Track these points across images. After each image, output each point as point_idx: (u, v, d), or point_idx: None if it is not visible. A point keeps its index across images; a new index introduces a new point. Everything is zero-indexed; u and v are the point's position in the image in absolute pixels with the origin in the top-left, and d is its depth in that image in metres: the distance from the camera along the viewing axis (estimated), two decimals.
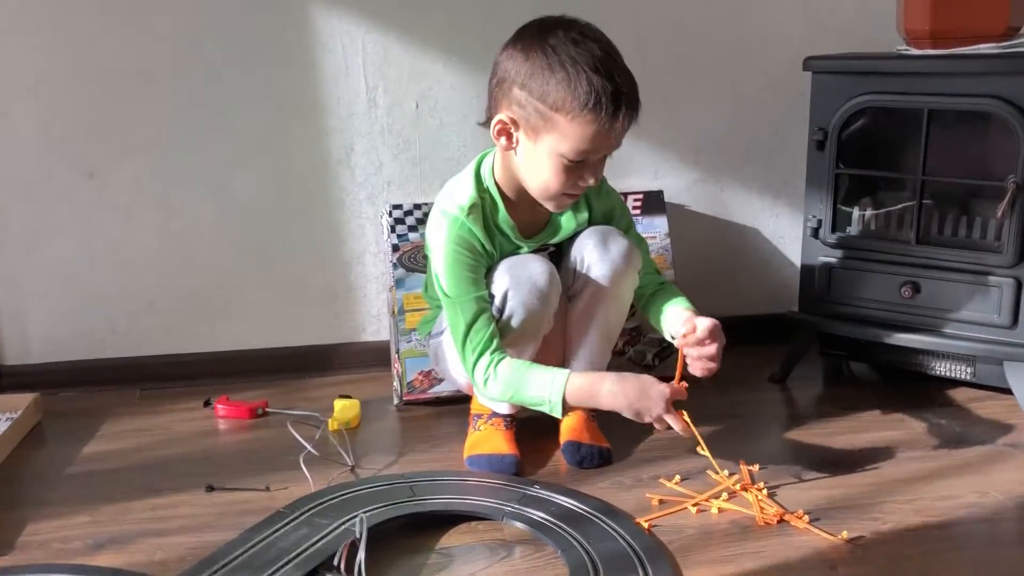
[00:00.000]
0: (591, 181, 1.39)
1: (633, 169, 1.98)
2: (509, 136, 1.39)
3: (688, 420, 1.38)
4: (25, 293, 1.85)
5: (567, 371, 1.41)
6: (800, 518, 1.33)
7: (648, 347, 1.88)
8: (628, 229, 1.57)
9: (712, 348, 1.39)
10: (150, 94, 1.80)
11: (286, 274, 1.92)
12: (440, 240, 1.45)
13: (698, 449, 1.43)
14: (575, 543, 1.26)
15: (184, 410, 1.78)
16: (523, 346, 1.47)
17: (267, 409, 1.76)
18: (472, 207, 1.44)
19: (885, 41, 1.81)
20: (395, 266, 1.82)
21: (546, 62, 1.31)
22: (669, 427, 1.37)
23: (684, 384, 1.39)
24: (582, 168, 1.38)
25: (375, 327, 1.96)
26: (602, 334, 1.54)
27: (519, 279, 1.43)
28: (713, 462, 1.44)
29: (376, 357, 1.92)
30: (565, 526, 1.30)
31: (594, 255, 1.49)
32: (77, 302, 1.87)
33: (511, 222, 1.47)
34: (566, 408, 1.40)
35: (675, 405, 1.37)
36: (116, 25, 1.77)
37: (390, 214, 1.86)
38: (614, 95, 1.31)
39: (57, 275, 1.85)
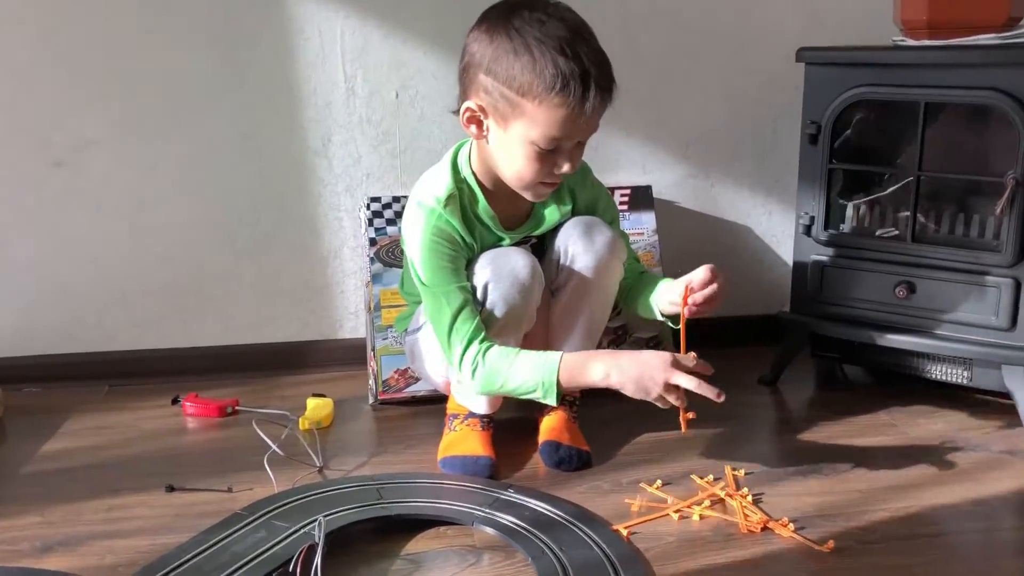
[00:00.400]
0: (566, 168, 1.33)
1: (620, 163, 1.92)
2: (479, 124, 1.33)
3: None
4: None
5: (559, 352, 1.35)
6: (785, 526, 1.26)
7: (635, 347, 1.82)
8: (612, 222, 1.52)
9: (716, 286, 1.37)
10: (118, 80, 1.75)
11: (261, 269, 1.86)
12: (416, 232, 1.39)
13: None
14: (547, 550, 1.19)
15: (151, 407, 1.72)
16: (504, 341, 1.40)
17: (237, 408, 1.69)
18: (449, 198, 1.38)
19: (885, 37, 1.75)
20: (372, 260, 1.76)
21: (510, 45, 1.25)
22: (679, 401, 1.30)
23: (692, 353, 1.33)
24: (556, 155, 1.32)
25: (353, 324, 1.90)
26: (586, 329, 1.48)
27: (500, 272, 1.37)
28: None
29: (353, 355, 1.86)
30: (538, 532, 1.24)
31: (578, 246, 1.44)
32: (44, 295, 1.81)
33: (491, 212, 1.41)
34: (560, 393, 1.34)
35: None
36: (83, 7, 1.71)
37: (368, 207, 1.80)
38: (582, 76, 1.24)
39: (24, 267, 1.79)
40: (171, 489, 1.40)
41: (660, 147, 1.94)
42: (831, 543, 1.22)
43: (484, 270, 1.38)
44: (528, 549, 1.20)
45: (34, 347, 1.82)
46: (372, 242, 1.77)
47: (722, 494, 1.35)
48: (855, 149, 1.71)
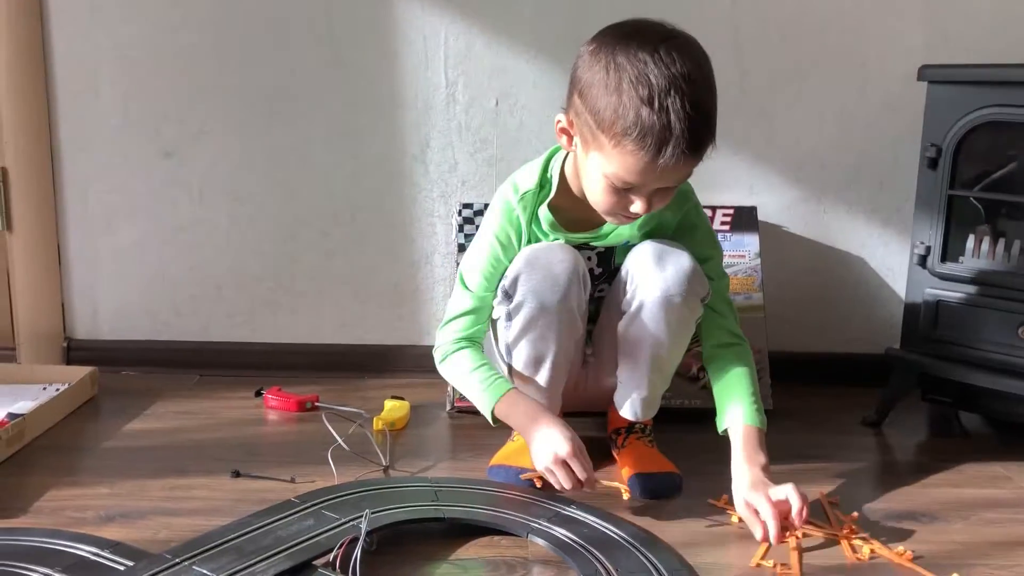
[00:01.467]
0: (639, 209, 1.25)
1: (726, 182, 1.84)
2: (569, 137, 1.29)
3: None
4: (99, 270, 1.87)
5: (503, 390, 1.33)
6: (901, 555, 1.19)
7: None
8: (707, 261, 1.37)
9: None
10: (227, 77, 1.80)
11: (353, 269, 1.87)
12: (488, 221, 1.38)
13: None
14: (601, 569, 1.12)
15: (236, 398, 1.75)
16: (536, 341, 1.33)
17: (317, 404, 1.70)
18: (526, 194, 1.35)
19: (1016, 54, 1.62)
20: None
21: (605, 77, 1.18)
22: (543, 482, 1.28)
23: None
24: (632, 193, 1.24)
25: None
26: (651, 360, 1.35)
27: (534, 264, 1.31)
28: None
29: None
30: (594, 550, 1.17)
31: (647, 272, 1.32)
32: (146, 282, 1.88)
33: (550, 216, 1.35)
34: (496, 421, 1.35)
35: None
36: (196, 6, 1.78)
37: (460, 213, 1.78)
38: (661, 133, 1.15)
39: (129, 253, 1.86)
40: (236, 475, 1.40)
41: (770, 168, 1.85)
42: None
43: (518, 261, 1.32)
44: (581, 566, 1.13)
45: (134, 332, 1.89)
46: (461, 248, 1.75)
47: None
48: (979, 175, 1.57)
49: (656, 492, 1.36)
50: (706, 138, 1.20)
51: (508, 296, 1.32)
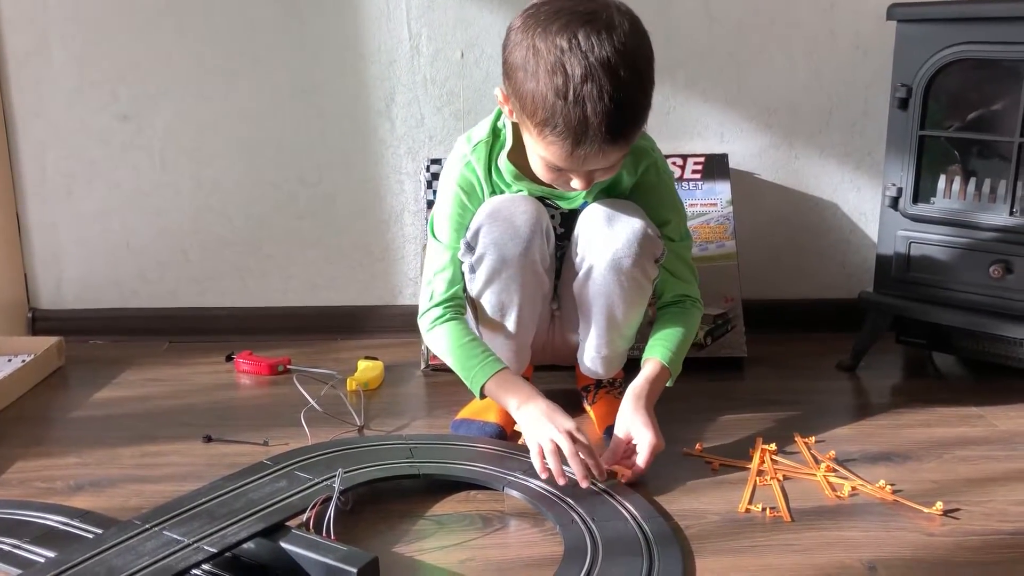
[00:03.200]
0: (576, 186, 1.22)
1: (697, 130, 1.82)
2: (511, 109, 1.25)
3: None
4: (61, 238, 1.83)
5: (495, 368, 1.28)
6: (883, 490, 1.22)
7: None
8: (665, 224, 1.34)
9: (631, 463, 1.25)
10: (185, 35, 1.75)
11: (322, 230, 1.84)
12: (446, 175, 1.36)
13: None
14: (577, 519, 1.12)
15: (207, 363, 1.73)
16: (499, 292, 1.31)
17: (289, 367, 1.68)
18: (478, 144, 1.32)
19: None
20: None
21: (525, 63, 1.14)
22: (542, 463, 1.20)
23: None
24: (566, 172, 1.21)
25: (412, 290, 1.86)
26: (609, 324, 1.34)
27: (495, 217, 1.28)
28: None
29: (411, 322, 1.79)
30: (570, 501, 1.16)
31: (595, 234, 1.30)
32: (110, 249, 1.84)
33: (510, 165, 1.31)
34: (483, 395, 1.31)
35: None
36: None
37: (428, 169, 1.76)
38: (578, 127, 1.12)
39: (92, 221, 1.82)
40: (208, 440, 1.39)
41: (740, 114, 1.83)
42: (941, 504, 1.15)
43: (480, 213, 1.29)
44: (558, 517, 1.13)
45: (100, 301, 1.85)
46: (430, 204, 1.73)
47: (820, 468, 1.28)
48: (950, 115, 1.56)
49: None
50: (629, 126, 1.15)
51: (471, 248, 1.30)
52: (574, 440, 1.19)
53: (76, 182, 1.81)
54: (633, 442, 1.26)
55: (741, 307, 1.73)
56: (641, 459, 1.24)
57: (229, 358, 1.72)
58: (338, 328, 1.86)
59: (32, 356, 1.64)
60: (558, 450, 1.19)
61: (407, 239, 1.85)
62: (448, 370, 1.65)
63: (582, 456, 1.18)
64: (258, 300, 1.87)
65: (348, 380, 1.58)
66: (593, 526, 1.11)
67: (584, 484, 1.17)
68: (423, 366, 1.68)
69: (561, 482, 1.18)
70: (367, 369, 1.62)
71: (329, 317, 1.87)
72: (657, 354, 1.32)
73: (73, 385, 1.64)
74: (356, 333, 1.86)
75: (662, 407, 1.33)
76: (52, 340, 1.69)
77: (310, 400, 1.46)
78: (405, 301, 1.87)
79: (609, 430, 1.37)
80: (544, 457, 1.20)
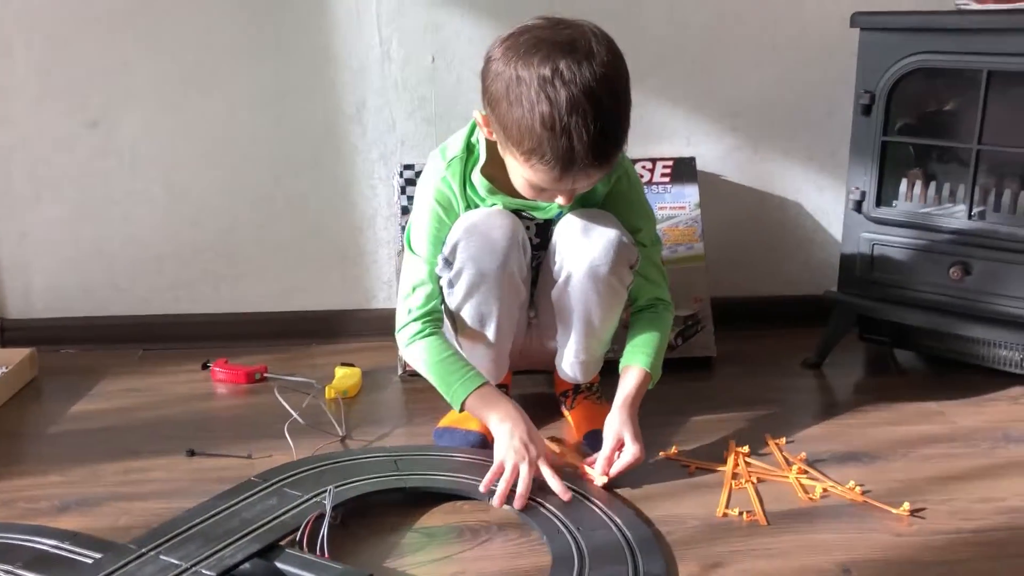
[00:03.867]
0: (562, 203, 1.27)
1: (664, 134, 1.85)
2: (490, 130, 1.27)
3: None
4: (29, 246, 1.81)
5: (476, 383, 1.31)
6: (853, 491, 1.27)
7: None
8: (638, 232, 1.38)
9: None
10: (153, 40, 1.73)
11: (294, 236, 1.84)
12: (423, 190, 1.37)
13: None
14: (564, 530, 1.15)
15: (183, 372, 1.72)
16: (478, 305, 1.33)
17: (266, 375, 1.68)
18: (452, 160, 1.34)
19: (949, 2, 1.65)
20: (404, 230, 1.72)
21: (508, 93, 1.16)
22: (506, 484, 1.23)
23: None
24: (549, 192, 1.26)
25: (386, 294, 1.87)
26: (587, 330, 1.38)
27: (472, 231, 1.31)
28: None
29: (386, 326, 1.80)
30: (557, 511, 1.20)
31: (572, 243, 1.33)
32: (81, 257, 1.82)
33: (484, 180, 1.33)
34: (462, 410, 1.33)
35: None
36: None
37: (401, 174, 1.77)
38: (565, 155, 1.15)
39: (61, 228, 1.80)
40: (192, 454, 1.39)
41: (707, 117, 1.86)
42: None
43: (457, 228, 1.32)
44: (544, 528, 1.16)
45: (71, 309, 1.83)
46: (404, 211, 1.74)
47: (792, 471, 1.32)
48: (911, 121, 1.61)
49: None
50: (613, 149, 1.20)
51: (449, 264, 1.32)
52: (537, 471, 1.24)
53: (44, 189, 1.78)
54: (622, 450, 1.30)
55: (710, 307, 1.77)
56: (617, 468, 1.28)
57: (205, 366, 1.72)
58: (313, 333, 1.87)
59: (4, 369, 1.63)
60: (513, 477, 1.23)
61: (380, 243, 1.86)
62: None
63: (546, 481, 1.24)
64: (231, 306, 1.86)
65: (327, 388, 1.59)
66: (579, 535, 1.14)
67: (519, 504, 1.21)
68: (400, 371, 1.70)
69: (497, 504, 1.22)
70: (345, 376, 1.63)
71: (303, 322, 1.87)
72: (639, 361, 1.36)
73: (48, 398, 1.63)
74: (331, 338, 1.86)
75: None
76: (25, 351, 1.67)
77: (292, 413, 1.47)
78: (379, 305, 1.88)
79: (589, 435, 1.42)
80: (496, 477, 1.24)
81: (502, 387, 1.46)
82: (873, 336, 1.74)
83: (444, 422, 1.45)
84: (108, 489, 1.29)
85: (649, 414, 1.45)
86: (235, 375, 1.67)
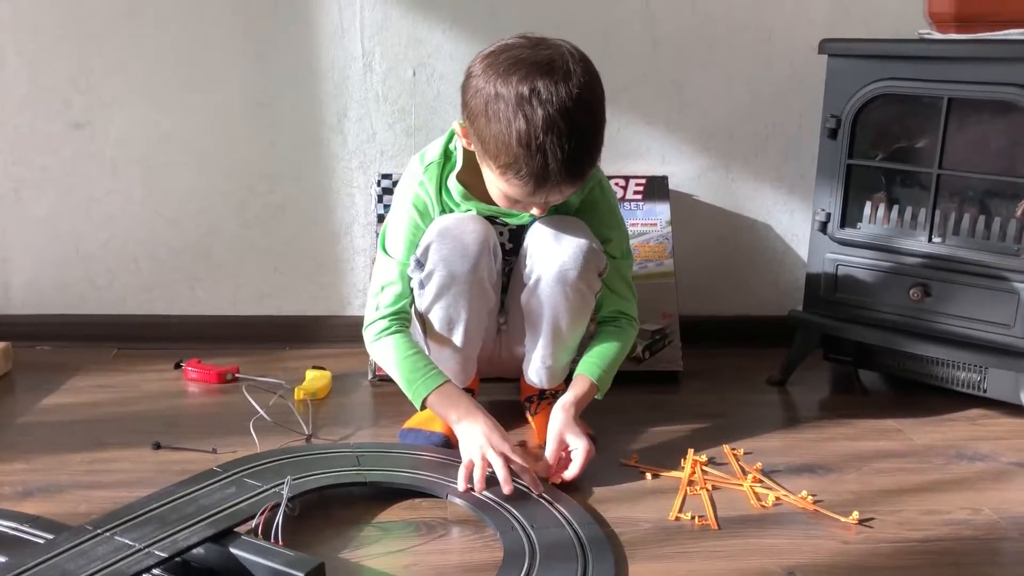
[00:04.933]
0: (537, 213, 1.32)
1: (639, 152, 1.89)
2: (468, 138, 1.31)
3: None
4: (9, 243, 1.83)
5: (437, 381, 1.34)
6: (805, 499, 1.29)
7: (637, 339, 1.78)
8: (608, 243, 1.41)
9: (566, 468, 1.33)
10: (140, 45, 1.77)
11: (271, 241, 1.87)
12: (400, 194, 1.41)
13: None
14: (517, 526, 1.17)
15: (155, 371, 1.75)
16: (448, 308, 1.36)
17: (237, 375, 1.71)
18: (430, 166, 1.38)
19: (915, 31, 1.70)
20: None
21: (486, 109, 1.21)
22: (470, 481, 1.26)
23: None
24: (524, 204, 1.30)
25: (360, 301, 1.90)
26: (554, 335, 1.40)
27: (445, 235, 1.34)
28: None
29: (360, 332, 1.84)
30: (512, 508, 1.22)
31: (543, 248, 1.36)
32: (59, 255, 1.84)
33: (459, 186, 1.36)
34: (423, 409, 1.37)
35: None
36: None
37: (378, 183, 1.80)
38: (540, 172, 1.20)
39: (41, 226, 1.83)
40: (158, 447, 1.41)
41: (681, 137, 1.90)
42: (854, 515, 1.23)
43: (431, 231, 1.35)
44: (498, 524, 1.18)
45: (48, 306, 1.86)
46: (380, 219, 1.77)
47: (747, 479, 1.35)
48: (876, 145, 1.65)
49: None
50: (587, 166, 1.25)
51: (421, 265, 1.35)
52: (508, 461, 1.26)
53: (26, 187, 1.81)
54: (570, 449, 1.32)
55: (678, 323, 1.80)
56: (576, 466, 1.30)
57: (178, 366, 1.74)
58: (286, 337, 1.89)
59: None
60: (486, 470, 1.26)
61: (356, 251, 1.89)
62: (394, 381, 1.69)
63: (516, 474, 1.26)
64: (207, 308, 1.89)
65: (296, 389, 1.61)
66: (532, 532, 1.16)
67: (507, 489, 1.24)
68: (370, 376, 1.72)
69: (477, 490, 1.25)
70: (315, 379, 1.65)
71: (277, 326, 1.90)
72: (588, 371, 1.40)
73: (20, 391, 1.65)
74: (304, 343, 1.89)
75: (600, 419, 1.39)
76: (0, 345, 1.70)
77: (259, 410, 1.49)
78: (353, 312, 1.90)
79: None
80: (470, 473, 1.26)
81: (468, 391, 1.47)
82: (837, 356, 1.77)
83: (409, 423, 1.47)
84: (72, 477, 1.31)
85: (612, 424, 1.49)
86: (207, 375, 1.70)
